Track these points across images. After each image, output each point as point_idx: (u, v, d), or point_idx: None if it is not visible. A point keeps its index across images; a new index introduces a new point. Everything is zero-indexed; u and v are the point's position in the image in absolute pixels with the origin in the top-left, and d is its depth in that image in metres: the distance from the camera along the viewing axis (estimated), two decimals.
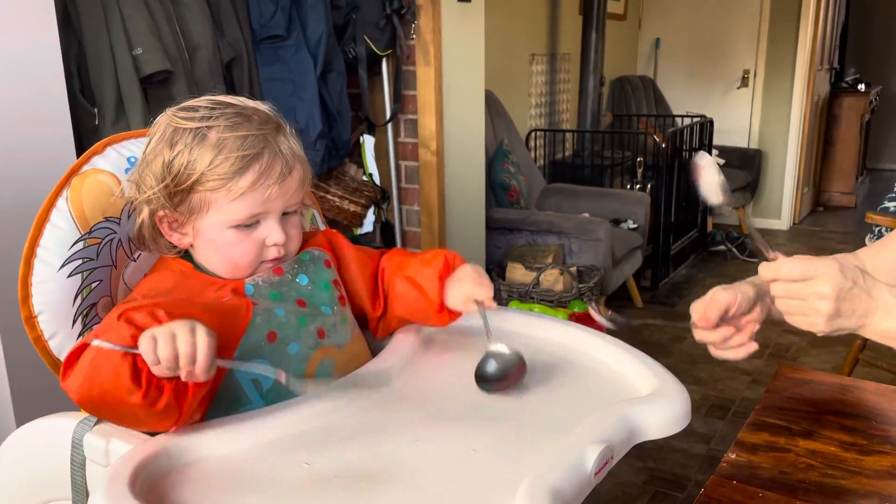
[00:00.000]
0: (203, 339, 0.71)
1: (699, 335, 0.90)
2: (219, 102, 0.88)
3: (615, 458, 0.77)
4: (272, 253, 0.90)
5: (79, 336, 0.87)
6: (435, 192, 2.60)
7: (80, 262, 0.86)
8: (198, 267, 0.91)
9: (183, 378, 0.73)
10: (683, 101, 5.20)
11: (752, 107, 5.13)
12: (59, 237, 0.85)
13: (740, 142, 5.14)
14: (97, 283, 0.87)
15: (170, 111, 0.88)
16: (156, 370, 0.72)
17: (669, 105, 5.23)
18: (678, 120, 4.76)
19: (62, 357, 0.86)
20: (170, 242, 0.90)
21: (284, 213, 0.90)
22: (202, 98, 0.89)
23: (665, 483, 2.18)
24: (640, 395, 0.85)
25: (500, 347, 0.89)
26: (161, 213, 0.87)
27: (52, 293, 0.85)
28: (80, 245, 0.86)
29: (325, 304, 0.94)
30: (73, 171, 0.88)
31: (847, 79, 5.93)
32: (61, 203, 0.86)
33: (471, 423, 0.83)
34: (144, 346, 0.70)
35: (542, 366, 0.93)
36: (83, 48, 1.67)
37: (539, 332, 1.03)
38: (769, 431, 0.88)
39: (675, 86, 5.31)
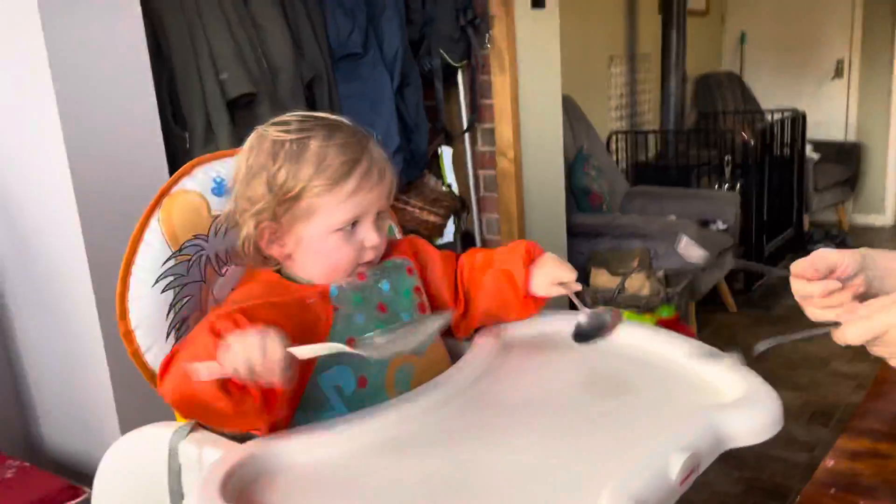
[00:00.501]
0: (273, 345, 0.74)
1: (800, 287, 0.86)
2: (307, 116, 0.93)
3: (701, 467, 0.74)
4: (369, 255, 0.93)
5: None
6: (514, 199, 2.60)
7: (172, 278, 0.90)
8: (286, 276, 0.94)
9: (261, 384, 0.76)
10: (773, 96, 5.00)
11: (849, 98, 4.88)
12: (153, 255, 0.90)
13: (837, 135, 4.89)
14: (188, 297, 0.92)
15: (262, 128, 0.93)
16: (235, 376, 0.74)
17: (758, 100, 5.04)
18: (768, 115, 4.58)
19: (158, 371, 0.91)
20: (264, 255, 0.93)
21: (377, 217, 0.94)
22: (288, 115, 0.93)
23: (765, 493, 2.08)
24: (727, 401, 0.82)
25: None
26: (263, 224, 0.90)
27: (147, 308, 0.90)
28: (171, 262, 0.91)
29: (406, 310, 0.96)
30: (164, 192, 0.93)
31: None
32: (153, 223, 0.91)
33: (551, 431, 0.82)
34: (222, 358, 0.74)
35: (624, 372, 0.92)
36: (174, 76, 1.76)
37: (621, 338, 1.01)
38: (870, 437, 0.83)
39: (764, 80, 5.11)
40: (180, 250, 0.92)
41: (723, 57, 5.26)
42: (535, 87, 2.61)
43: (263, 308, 0.84)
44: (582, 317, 0.95)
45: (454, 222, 2.69)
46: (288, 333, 0.78)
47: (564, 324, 0.99)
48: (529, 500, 0.71)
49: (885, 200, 4.85)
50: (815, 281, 0.85)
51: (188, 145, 1.76)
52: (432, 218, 2.54)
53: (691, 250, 0.96)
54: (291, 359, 0.76)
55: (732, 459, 2.33)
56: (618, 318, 0.93)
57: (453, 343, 1.06)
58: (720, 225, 3.44)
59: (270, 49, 1.94)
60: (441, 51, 2.40)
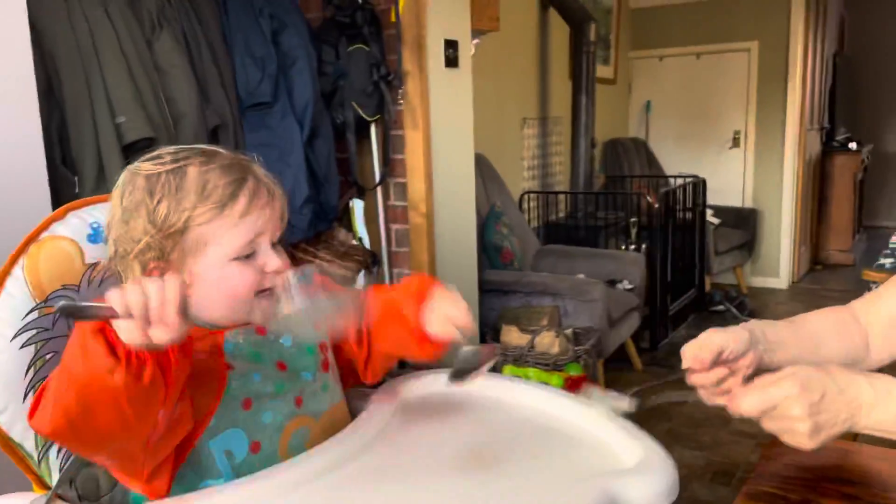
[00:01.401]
0: (171, 279, 0.67)
1: (692, 377, 0.88)
2: (181, 148, 0.87)
3: None
4: (270, 281, 0.87)
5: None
6: (426, 254, 2.58)
7: (34, 332, 0.82)
8: None
9: (159, 330, 0.66)
10: (676, 162, 5.24)
11: (745, 167, 5.17)
12: (13, 306, 0.82)
13: (735, 201, 5.15)
14: (52, 354, 0.83)
15: (133, 165, 0.86)
16: (131, 335, 0.65)
17: (662, 166, 5.27)
18: (671, 180, 4.78)
19: (12, 433, 0.82)
20: None
21: (272, 245, 0.88)
22: (158, 150, 0.88)
23: None
24: (624, 467, 0.80)
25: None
26: (152, 265, 0.83)
27: (2, 365, 0.81)
28: (34, 314, 0.82)
29: (308, 368, 0.90)
30: (31, 239, 0.86)
31: (838, 138, 6.00)
32: (17, 271, 0.83)
33: (448, 498, 0.77)
34: (115, 300, 0.65)
35: (524, 435, 0.89)
36: (65, 116, 1.67)
37: (523, 400, 0.99)
38: (765, 501, 0.82)
39: (667, 147, 5.36)
40: (45, 302, 0.83)
41: (630, 123, 5.50)
42: (448, 144, 2.63)
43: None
44: (456, 357, 0.89)
45: (364, 276, 2.64)
46: (182, 390, 0.72)
47: (479, 387, 0.95)
48: None
49: (780, 264, 5.11)
50: (703, 372, 0.86)
51: (77, 190, 1.66)
52: (342, 271, 2.49)
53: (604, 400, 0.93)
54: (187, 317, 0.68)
55: None
56: (491, 353, 0.88)
57: (358, 404, 1.00)
58: (626, 284, 3.53)
59: (173, 94, 1.88)
60: (354, 104, 2.40)
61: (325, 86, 2.34)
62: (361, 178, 2.56)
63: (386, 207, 2.61)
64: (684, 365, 0.87)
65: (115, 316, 0.65)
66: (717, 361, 0.86)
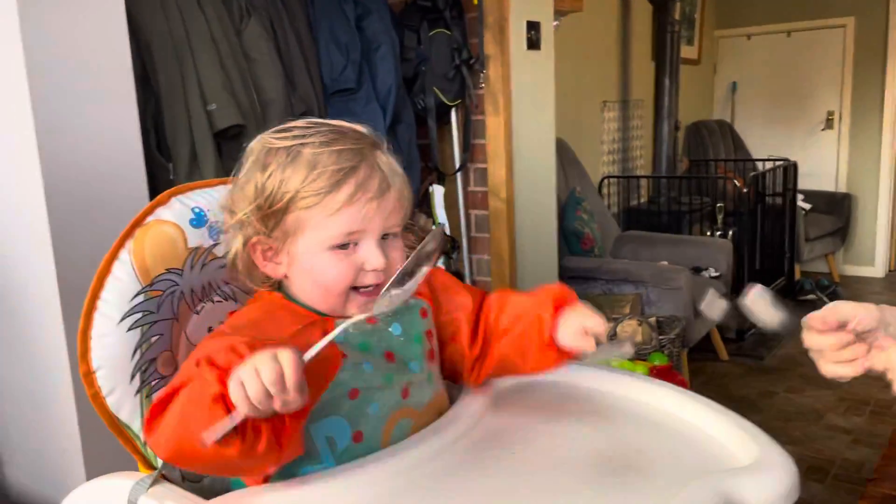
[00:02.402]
0: (287, 359, 0.65)
1: (811, 339, 0.82)
2: (314, 122, 0.84)
3: None
4: (370, 279, 0.83)
5: (136, 392, 0.84)
6: (505, 240, 2.55)
7: (140, 315, 0.84)
8: (290, 298, 0.85)
9: (278, 408, 0.66)
10: (764, 145, 5.03)
11: (839, 149, 4.91)
12: (120, 290, 0.84)
13: (827, 185, 4.91)
14: (157, 336, 0.85)
15: (263, 134, 0.85)
16: (251, 412, 0.65)
17: (749, 149, 5.06)
18: (759, 164, 4.59)
19: (120, 415, 0.84)
20: (264, 274, 0.86)
21: (384, 237, 0.84)
22: (298, 120, 0.85)
23: None
24: (738, 465, 0.76)
25: None
26: (255, 239, 0.83)
27: (110, 348, 0.83)
28: (140, 297, 0.84)
29: (415, 358, 0.88)
30: (137, 223, 0.87)
31: None
32: (123, 255, 0.85)
33: (546, 484, 0.75)
34: (235, 394, 0.64)
35: (626, 429, 0.85)
36: (160, 105, 1.71)
37: (620, 390, 0.95)
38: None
39: (755, 129, 5.14)
40: (151, 285, 0.85)
41: (714, 105, 5.30)
42: (529, 128, 2.59)
43: (270, 343, 0.74)
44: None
45: (444, 262, 2.63)
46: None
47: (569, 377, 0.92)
48: None
49: (875, 252, 4.84)
50: (826, 333, 0.80)
51: (172, 176, 1.70)
52: None
53: (715, 306, 0.89)
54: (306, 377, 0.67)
55: None
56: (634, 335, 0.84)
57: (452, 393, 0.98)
58: (712, 272, 3.41)
59: (261, 82, 1.90)
60: (435, 89, 2.38)
61: (407, 71, 2.33)
62: (441, 164, 2.55)
63: (466, 193, 2.59)
64: (806, 325, 0.81)
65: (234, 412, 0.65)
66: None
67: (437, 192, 2.62)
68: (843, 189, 4.89)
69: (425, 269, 0.78)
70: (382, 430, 0.82)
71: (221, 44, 1.81)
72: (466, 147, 2.51)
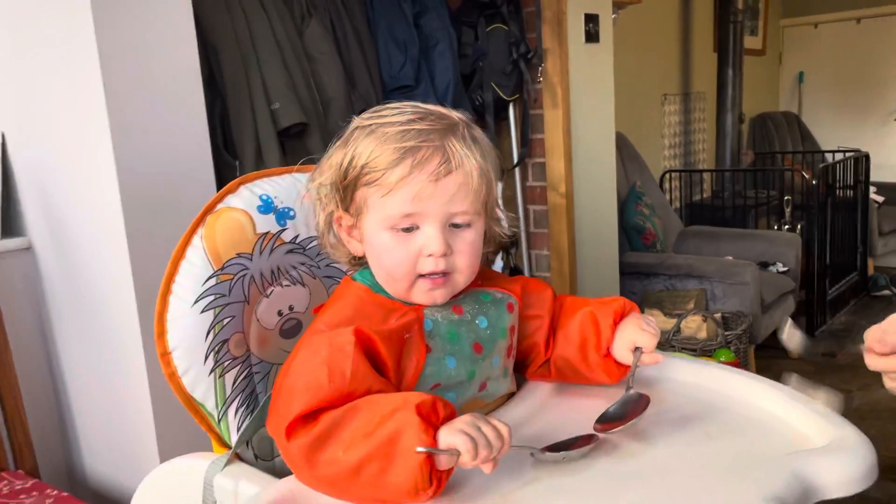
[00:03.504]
0: (504, 427, 0.69)
1: (872, 362, 0.80)
2: (410, 105, 0.84)
3: None
4: (429, 265, 0.80)
5: (210, 372, 0.86)
6: (565, 235, 2.53)
7: (212, 297, 0.86)
8: (375, 289, 0.85)
9: (487, 471, 0.69)
10: (833, 137, 4.85)
11: None
12: (194, 273, 0.86)
13: None
14: (229, 319, 0.87)
15: (360, 115, 0.86)
16: (450, 464, 0.67)
17: (817, 141, 4.90)
18: (828, 156, 4.43)
19: (195, 394, 0.87)
20: (348, 251, 0.87)
21: (454, 226, 0.81)
22: (398, 103, 0.86)
23: None
24: (814, 447, 0.74)
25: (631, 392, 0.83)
26: (337, 214, 0.85)
27: (185, 329, 0.86)
28: (212, 281, 0.87)
29: (498, 353, 0.88)
30: (208, 210, 0.90)
31: None
32: (196, 240, 0.88)
33: (614, 470, 0.74)
34: (463, 445, 0.66)
35: (698, 415, 0.83)
36: (226, 104, 1.76)
37: (688, 377, 0.93)
38: None
39: (823, 120, 4.97)
40: (222, 269, 0.87)
41: (780, 97, 5.14)
42: (588, 122, 2.56)
43: (376, 338, 0.76)
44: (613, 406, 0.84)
45: (503, 258, 2.63)
46: (392, 369, 0.74)
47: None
48: None
49: None
50: (887, 355, 0.78)
51: (238, 173, 1.75)
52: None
53: (794, 338, 0.87)
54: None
55: None
56: (645, 405, 0.81)
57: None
58: (780, 267, 3.31)
59: (322, 80, 1.94)
60: (493, 84, 2.38)
61: (465, 67, 2.33)
62: (500, 159, 2.54)
63: (524, 188, 2.59)
64: (867, 345, 0.79)
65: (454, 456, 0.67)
66: None
67: (497, 187, 2.62)
68: None
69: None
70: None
71: (284, 44, 1.85)
72: (525, 142, 2.50)
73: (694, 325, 2.77)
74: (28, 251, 1.64)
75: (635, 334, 0.86)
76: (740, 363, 2.68)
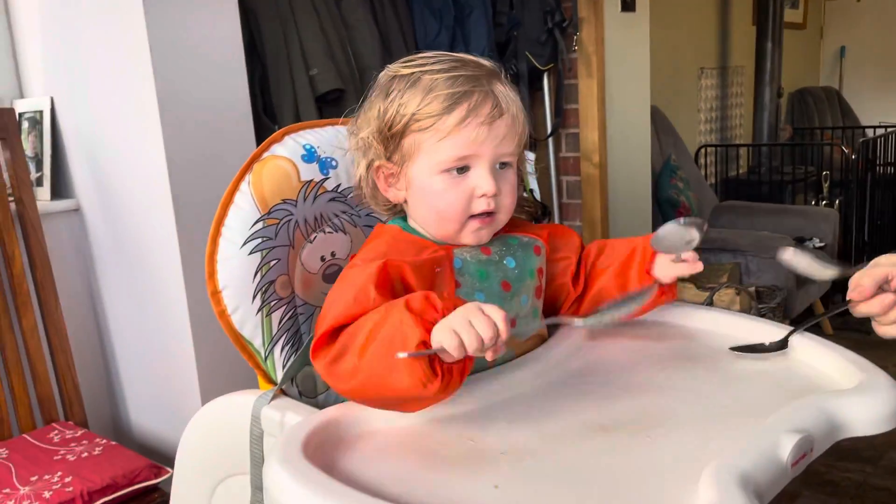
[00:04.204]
0: (497, 314, 0.69)
1: (856, 309, 0.82)
2: (438, 53, 0.88)
3: (815, 453, 0.68)
4: (481, 205, 0.84)
5: (258, 311, 0.90)
6: (598, 206, 2.53)
7: (259, 240, 0.90)
8: (407, 229, 0.90)
9: (489, 357, 0.71)
10: (874, 112, 4.75)
11: None
12: (242, 217, 0.90)
13: None
14: (275, 261, 0.91)
15: (391, 65, 0.89)
16: (457, 357, 0.69)
17: (858, 116, 4.80)
18: (869, 132, 4.34)
19: (244, 331, 0.91)
20: (386, 199, 0.90)
21: (498, 166, 0.85)
22: (427, 52, 0.89)
23: None
24: (842, 388, 0.75)
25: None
26: (377, 163, 0.87)
27: (235, 269, 0.89)
28: (259, 225, 0.90)
29: (527, 292, 0.91)
30: (255, 158, 0.93)
31: None
32: (244, 186, 0.91)
33: (646, 408, 0.77)
34: (449, 342, 0.68)
35: (727, 360, 0.85)
36: (266, 70, 1.80)
37: (719, 329, 0.95)
38: None
39: (864, 96, 4.87)
40: (269, 213, 0.91)
41: (821, 71, 5.04)
42: (623, 92, 2.55)
43: (407, 267, 0.80)
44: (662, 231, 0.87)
45: None
46: None
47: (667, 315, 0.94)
48: (622, 478, 0.66)
49: None
50: (868, 300, 0.80)
51: None
52: None
53: (801, 262, 0.87)
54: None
55: (829, 486, 2.18)
56: (701, 226, 0.85)
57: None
58: (817, 242, 3.26)
59: (359, 48, 1.96)
60: (527, 54, 2.38)
61: (500, 36, 2.34)
62: (534, 129, 2.55)
63: (557, 158, 2.59)
64: (848, 295, 0.81)
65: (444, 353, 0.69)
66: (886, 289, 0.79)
67: (529, 157, 2.62)
68: None
69: (633, 307, 0.85)
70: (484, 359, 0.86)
71: (322, 10, 1.88)
72: (559, 112, 2.50)
73: (727, 298, 2.76)
74: (76, 212, 1.71)
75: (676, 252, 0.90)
76: None
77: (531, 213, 2.71)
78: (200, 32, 1.49)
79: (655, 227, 2.69)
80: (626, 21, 2.50)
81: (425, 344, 0.69)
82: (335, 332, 0.76)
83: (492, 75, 0.86)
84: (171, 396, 1.61)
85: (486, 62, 0.87)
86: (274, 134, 0.96)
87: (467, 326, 0.68)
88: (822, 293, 3.24)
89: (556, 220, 2.63)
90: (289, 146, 0.95)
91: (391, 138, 0.85)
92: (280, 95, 1.81)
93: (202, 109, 1.50)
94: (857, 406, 0.71)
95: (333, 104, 1.89)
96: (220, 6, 1.53)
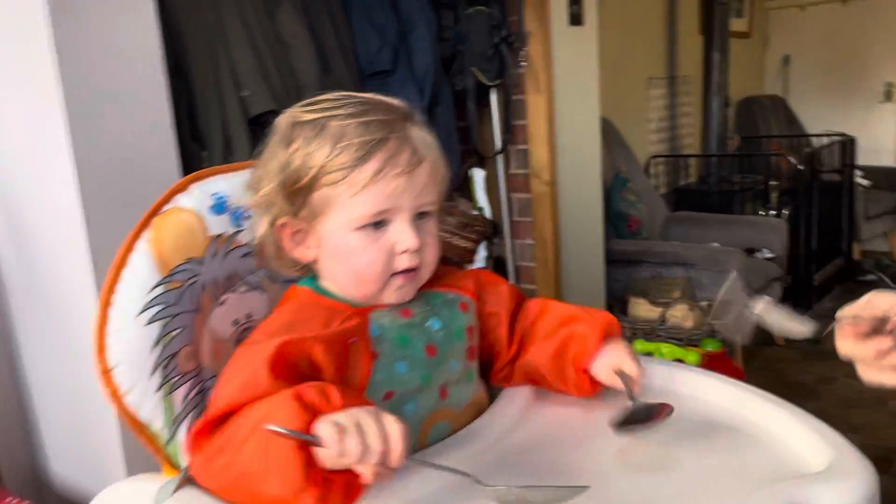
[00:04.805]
0: (394, 428, 0.60)
1: (845, 347, 0.73)
2: (345, 95, 0.79)
3: None
4: (403, 262, 0.77)
5: (157, 389, 0.79)
6: (549, 224, 2.47)
7: (159, 307, 0.79)
8: (320, 291, 0.81)
9: (369, 473, 0.61)
10: (819, 120, 4.81)
11: None
12: (138, 282, 0.79)
13: (887, 161, 4.68)
14: (178, 330, 0.80)
15: (291, 108, 0.80)
16: (333, 463, 0.60)
17: (803, 125, 4.86)
18: (814, 140, 4.40)
19: (140, 413, 0.80)
20: (294, 259, 0.81)
21: (418, 217, 0.78)
22: (329, 93, 0.80)
23: None
24: (811, 471, 0.68)
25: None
26: (282, 220, 0.78)
27: (129, 343, 0.78)
28: (159, 289, 0.79)
29: (457, 356, 0.82)
30: (155, 211, 0.83)
31: None
32: (140, 245, 0.80)
33: (595, 496, 0.68)
34: (329, 437, 0.59)
35: (687, 430, 0.78)
36: (193, 91, 1.68)
37: (677, 386, 0.88)
38: None
39: (809, 104, 4.93)
40: (170, 275, 0.80)
41: (766, 80, 5.10)
42: (572, 108, 2.50)
43: (313, 343, 0.70)
44: (630, 404, 0.79)
45: (486, 248, 2.57)
46: (330, 377, 0.68)
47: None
48: None
49: None
50: (862, 340, 0.72)
51: (206, 164, 1.67)
52: (463, 243, 2.43)
53: (771, 316, 0.80)
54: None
55: None
56: (669, 411, 0.77)
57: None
58: (766, 253, 3.27)
59: (295, 65, 1.86)
60: (474, 69, 2.31)
61: (445, 52, 2.26)
62: (482, 147, 2.48)
63: (507, 176, 2.52)
64: (838, 329, 0.72)
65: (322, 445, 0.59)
66: (881, 330, 0.71)
67: (478, 175, 2.56)
68: None
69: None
70: (419, 433, 0.77)
71: (254, 27, 1.77)
72: (507, 128, 2.44)
73: (680, 314, 2.73)
74: None
75: (623, 359, 0.82)
76: (727, 352, 2.65)
77: (482, 232, 2.63)
78: (116, 51, 1.36)
79: (607, 242, 2.64)
80: (574, 35, 2.45)
81: (303, 445, 0.60)
82: (220, 420, 0.66)
83: (406, 118, 0.78)
84: (94, 452, 1.49)
85: (398, 103, 0.79)
86: (177, 182, 0.85)
87: (355, 430, 0.59)
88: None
89: (508, 239, 2.56)
90: (195, 196, 0.85)
91: (297, 193, 0.76)
92: (208, 118, 1.69)
93: (119, 136, 1.37)
94: (828, 493, 0.64)
95: (268, 127, 1.78)
96: (139, 22, 1.40)
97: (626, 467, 0.72)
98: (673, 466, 0.72)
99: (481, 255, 2.56)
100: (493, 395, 0.89)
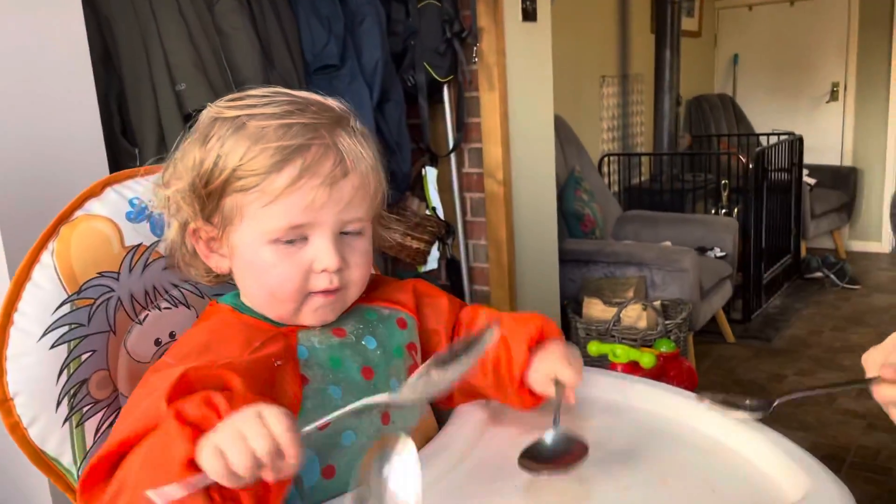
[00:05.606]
0: (278, 424, 0.53)
1: (882, 392, 0.66)
2: (276, 91, 0.71)
3: None
4: (322, 282, 0.69)
5: (65, 421, 0.70)
6: (503, 224, 2.42)
7: (65, 329, 0.70)
8: (241, 308, 0.72)
9: (271, 479, 0.54)
10: (767, 119, 4.88)
11: (844, 122, 4.77)
12: (41, 299, 0.70)
13: (832, 159, 4.78)
14: (89, 353, 0.71)
15: (216, 102, 0.72)
16: (232, 484, 0.53)
17: (752, 123, 4.92)
18: (763, 139, 4.45)
19: (46, 448, 0.70)
20: (207, 267, 0.73)
21: (343, 233, 0.70)
22: (260, 88, 0.72)
23: None
24: (788, 502, 0.63)
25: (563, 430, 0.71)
26: (193, 225, 0.70)
27: (30, 369, 0.69)
28: (66, 308, 0.70)
29: (396, 375, 0.75)
30: (62, 219, 0.73)
31: None
32: (45, 258, 0.71)
33: None
34: (212, 466, 0.51)
35: (648, 451, 0.72)
36: (124, 85, 1.57)
37: (642, 404, 0.82)
38: None
39: (757, 103, 5.00)
40: (79, 292, 0.71)
41: (715, 79, 5.15)
42: (526, 105, 2.45)
43: (226, 371, 0.62)
44: (547, 435, 0.71)
45: (439, 248, 2.50)
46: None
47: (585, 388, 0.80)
48: None
49: (882, 227, 4.72)
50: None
51: (138, 163, 1.56)
52: (415, 244, 2.36)
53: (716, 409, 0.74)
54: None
55: None
56: (585, 452, 0.69)
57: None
58: (718, 252, 3.28)
59: (236, 59, 1.76)
60: (426, 65, 2.23)
61: (395, 46, 2.18)
62: (434, 144, 2.41)
63: (460, 175, 2.46)
64: (869, 374, 0.67)
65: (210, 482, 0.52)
66: None
67: (430, 174, 2.49)
68: (848, 163, 4.76)
69: (472, 361, 0.64)
70: (359, 463, 0.70)
71: (191, 17, 1.66)
72: (460, 126, 2.37)
73: (634, 315, 2.71)
74: None
75: (557, 367, 0.75)
76: (680, 352, 2.64)
77: (434, 232, 2.54)
78: (36, 38, 1.25)
79: (561, 242, 2.59)
80: (527, 31, 2.40)
81: (193, 464, 0.52)
82: (115, 458, 0.57)
83: (338, 123, 0.69)
84: (15, 471, 1.37)
85: (335, 105, 0.71)
86: (91, 185, 0.76)
87: (236, 440, 0.51)
88: (724, 302, 3.26)
89: (461, 238, 2.50)
90: (110, 201, 0.76)
91: (208, 196, 0.67)
92: (140, 114, 1.58)
93: (39, 133, 1.26)
94: None
95: None
96: (60, 8, 1.29)
97: (586, 493, 0.66)
98: (637, 494, 0.66)
99: (434, 255, 2.49)
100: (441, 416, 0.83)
